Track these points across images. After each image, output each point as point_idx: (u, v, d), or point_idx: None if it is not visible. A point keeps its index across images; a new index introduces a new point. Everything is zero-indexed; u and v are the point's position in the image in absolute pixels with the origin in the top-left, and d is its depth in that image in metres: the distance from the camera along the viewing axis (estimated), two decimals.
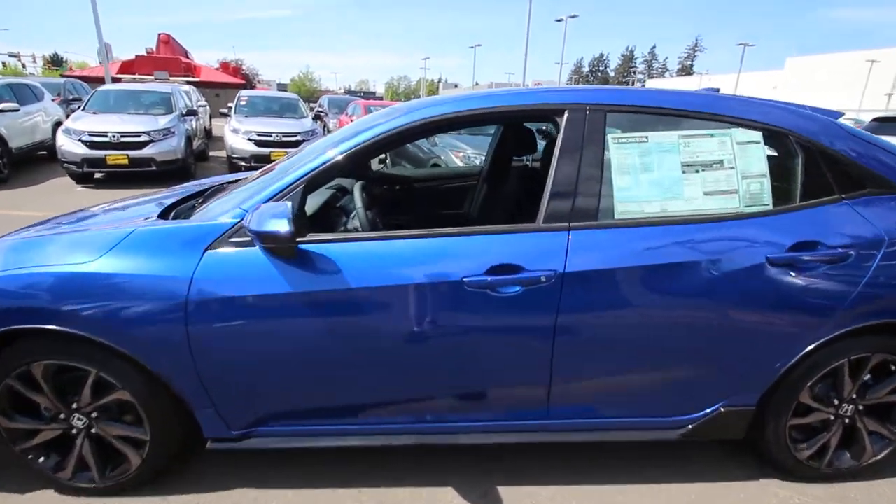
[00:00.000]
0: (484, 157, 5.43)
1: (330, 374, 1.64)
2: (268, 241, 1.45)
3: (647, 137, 1.66)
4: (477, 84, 54.31)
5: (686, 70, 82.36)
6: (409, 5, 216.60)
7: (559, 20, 32.02)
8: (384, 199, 3.16)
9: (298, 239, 1.53)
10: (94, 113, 8.11)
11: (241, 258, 1.53)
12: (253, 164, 8.27)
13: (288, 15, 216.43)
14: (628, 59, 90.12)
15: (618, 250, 1.59)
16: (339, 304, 1.55)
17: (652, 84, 67.23)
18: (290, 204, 1.48)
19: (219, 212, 1.64)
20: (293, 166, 1.68)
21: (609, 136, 1.64)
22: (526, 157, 3.02)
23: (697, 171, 1.66)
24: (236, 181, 2.22)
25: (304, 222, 1.63)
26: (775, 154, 1.74)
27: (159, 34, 31.56)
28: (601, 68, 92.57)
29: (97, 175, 8.04)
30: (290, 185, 1.61)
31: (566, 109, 1.66)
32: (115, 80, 16.59)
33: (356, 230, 1.96)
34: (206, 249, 1.53)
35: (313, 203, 2.03)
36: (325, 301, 1.54)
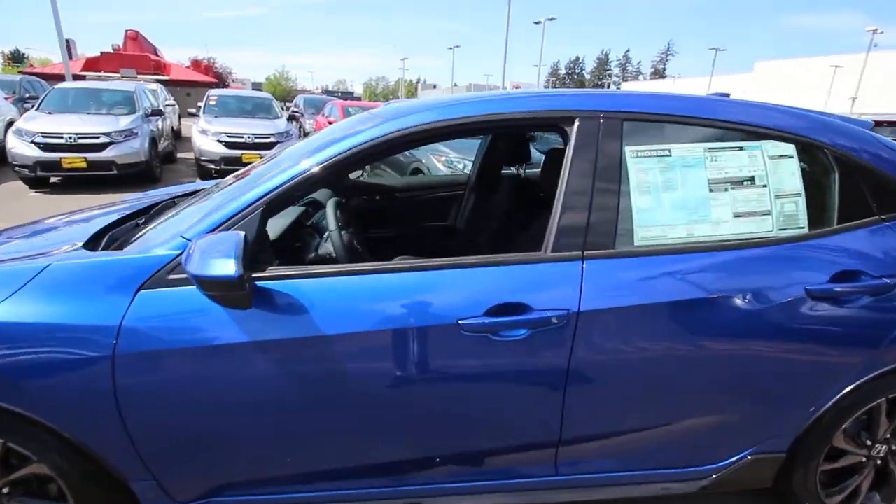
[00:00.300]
0: (469, 164, 5.23)
1: (298, 436, 1.36)
2: (211, 287, 1.15)
3: (669, 150, 1.43)
4: (456, 85, 54.15)
5: (659, 73, 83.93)
6: (387, 6, 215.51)
7: (537, 22, 32.09)
8: (363, 212, 2.89)
9: (257, 275, 1.25)
10: (50, 113, 7.56)
11: (182, 300, 1.24)
12: (223, 167, 7.85)
13: (264, 13, 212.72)
14: (603, 63, 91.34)
15: (639, 284, 1.35)
16: (307, 354, 1.27)
17: (627, 87, 68.21)
18: (241, 236, 1.17)
19: (156, 241, 1.34)
20: (251, 183, 1.39)
21: (627, 149, 1.41)
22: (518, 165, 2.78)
23: (726, 190, 1.44)
24: (195, 192, 1.91)
25: (265, 253, 1.35)
26: (807, 169, 1.53)
27: (127, 30, 30.55)
28: (577, 71, 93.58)
29: (53, 179, 7.52)
30: (245, 208, 1.31)
31: (576, 117, 1.42)
32: (78, 78, 15.82)
33: (329, 255, 1.68)
34: (138, 290, 1.23)
35: (279, 224, 1.73)
36: (291, 351, 1.27)
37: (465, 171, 5.44)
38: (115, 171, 7.21)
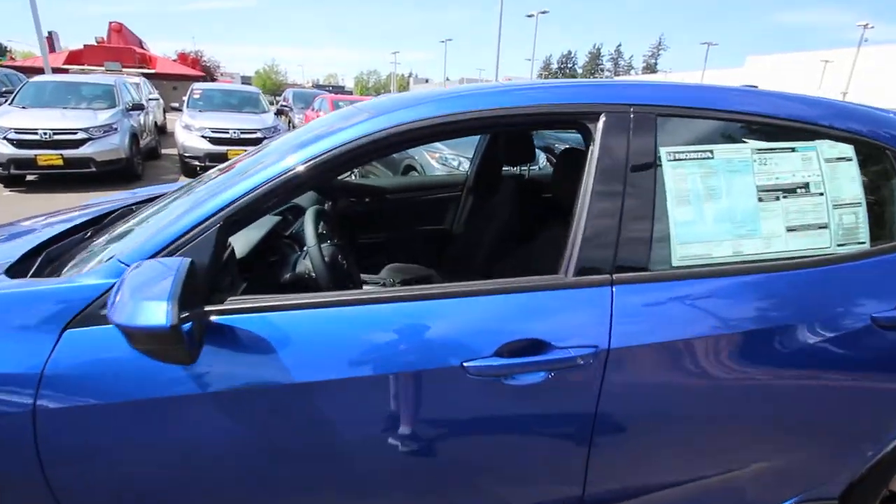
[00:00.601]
0: (465, 161, 4.98)
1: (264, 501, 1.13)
2: (139, 340, 0.88)
3: (711, 152, 1.21)
4: (448, 79, 53.67)
5: (650, 68, 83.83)
6: None
7: (530, 16, 31.76)
8: (350, 216, 2.64)
9: (213, 308, 1.01)
10: (24, 108, 7.21)
11: (117, 341, 0.96)
12: (207, 163, 7.54)
13: (253, 6, 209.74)
14: (595, 57, 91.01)
15: (680, 314, 1.13)
16: (276, 405, 1.04)
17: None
18: (184, 266, 0.90)
19: (90, 266, 1.09)
20: (210, 191, 1.13)
21: (662, 150, 1.18)
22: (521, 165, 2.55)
23: (778, 199, 1.22)
24: (158, 197, 1.65)
25: (228, 277, 1.11)
26: (866, 174, 1.32)
27: (111, 23, 29.77)
28: (569, 65, 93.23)
29: (30, 177, 7.18)
30: (197, 224, 1.04)
31: (602, 112, 1.19)
32: (61, 72, 15.29)
33: (308, 273, 1.43)
34: (64, 328, 0.98)
35: (250, 236, 1.48)
36: (255, 402, 1.03)
37: (461, 168, 5.21)
38: (93, 169, 6.89)
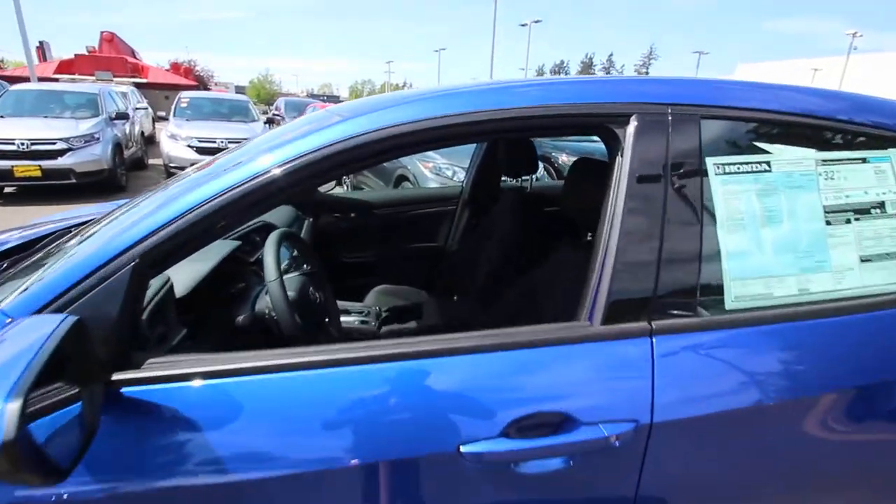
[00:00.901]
0: (459, 171, 4.73)
1: None
2: None
3: (768, 164, 0.97)
4: None
5: None
6: (373, 9, 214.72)
7: (523, 25, 31.85)
8: (334, 233, 2.40)
9: (122, 377, 0.75)
10: (2, 117, 6.96)
11: None
12: None
13: (249, 17, 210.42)
14: (587, 66, 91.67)
15: (741, 371, 0.89)
16: None
17: None
18: (53, 335, 0.63)
19: None
20: (127, 221, 0.86)
21: (709, 162, 0.94)
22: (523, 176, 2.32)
23: (849, 222, 0.99)
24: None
25: (158, 328, 0.86)
26: None
27: (102, 32, 29.58)
28: (562, 75, 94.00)
29: (8, 189, 6.89)
30: (98, 267, 0.78)
31: (633, 114, 0.95)
32: (50, 81, 15.03)
33: (269, 314, 1.17)
34: None
35: (196, 269, 1.21)
36: None
37: (456, 179, 4.97)
38: (73, 181, 6.62)
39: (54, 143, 6.55)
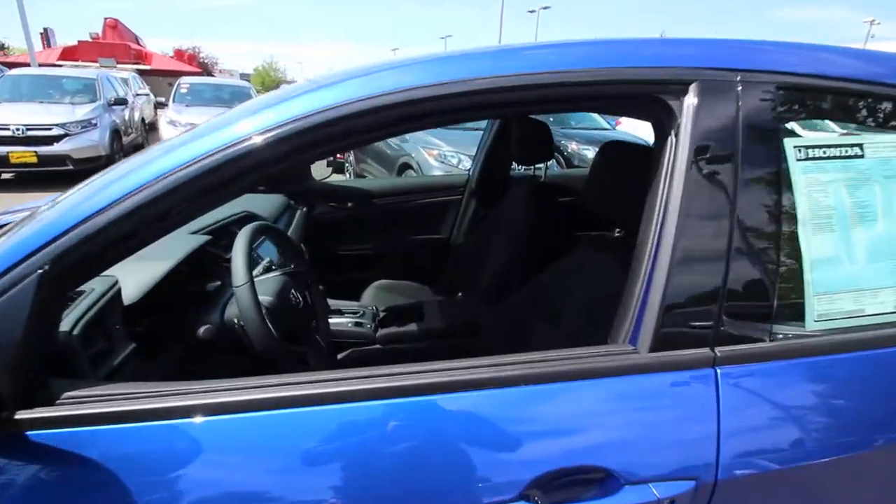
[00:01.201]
0: (467, 160, 4.50)
1: None
2: None
3: (861, 147, 0.77)
4: None
5: None
6: None
7: (532, 11, 31.22)
8: (330, 224, 2.21)
9: (24, 416, 0.57)
10: None
11: None
12: None
13: (251, 3, 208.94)
14: None
15: (830, 413, 0.69)
16: None
17: None
18: None
19: None
20: (42, 219, 0.68)
21: (787, 145, 0.74)
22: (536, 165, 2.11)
23: None
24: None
25: (99, 342, 0.68)
26: None
27: (106, 18, 29.33)
28: None
29: (5, 176, 6.76)
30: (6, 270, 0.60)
31: (692, 81, 0.74)
32: (53, 67, 14.90)
33: (237, 323, 0.98)
34: None
35: (153, 269, 1.01)
36: None
37: (461, 167, 4.74)
38: (70, 167, 6.47)
39: (50, 129, 6.41)
